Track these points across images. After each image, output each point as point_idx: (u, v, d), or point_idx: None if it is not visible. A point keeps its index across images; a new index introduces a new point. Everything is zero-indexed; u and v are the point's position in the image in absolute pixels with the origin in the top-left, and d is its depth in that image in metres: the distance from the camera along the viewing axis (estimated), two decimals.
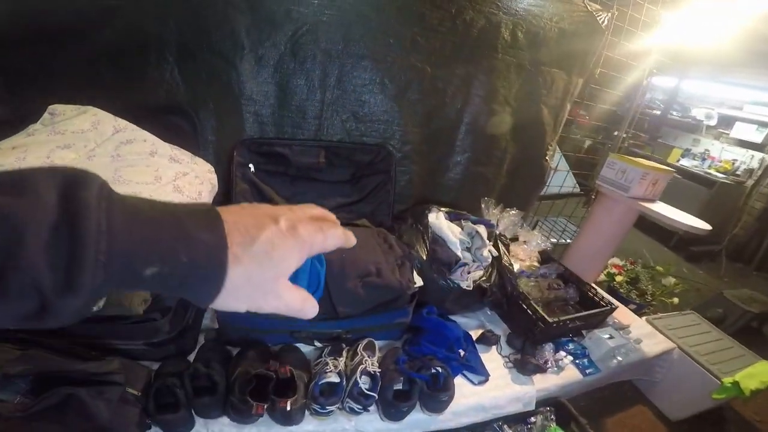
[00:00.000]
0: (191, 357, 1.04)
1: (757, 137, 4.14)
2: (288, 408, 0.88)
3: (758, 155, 4.10)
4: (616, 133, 2.29)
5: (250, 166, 1.30)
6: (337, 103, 1.33)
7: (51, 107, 0.98)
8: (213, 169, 1.18)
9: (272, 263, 0.32)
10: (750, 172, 4.10)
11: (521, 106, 1.64)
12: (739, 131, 4.28)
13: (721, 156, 4.40)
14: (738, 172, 4.14)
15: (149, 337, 0.95)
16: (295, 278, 1.04)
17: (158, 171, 0.98)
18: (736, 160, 4.24)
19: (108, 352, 0.92)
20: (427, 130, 1.50)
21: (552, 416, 1.31)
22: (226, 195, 1.28)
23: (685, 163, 4.48)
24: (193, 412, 0.91)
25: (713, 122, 4.51)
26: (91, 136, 0.97)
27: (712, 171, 4.20)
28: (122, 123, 1.03)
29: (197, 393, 0.91)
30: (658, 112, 4.71)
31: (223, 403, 0.92)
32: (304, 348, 1.14)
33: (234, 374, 0.95)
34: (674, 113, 4.81)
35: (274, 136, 1.30)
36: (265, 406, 0.89)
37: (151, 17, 1.06)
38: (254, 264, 0.30)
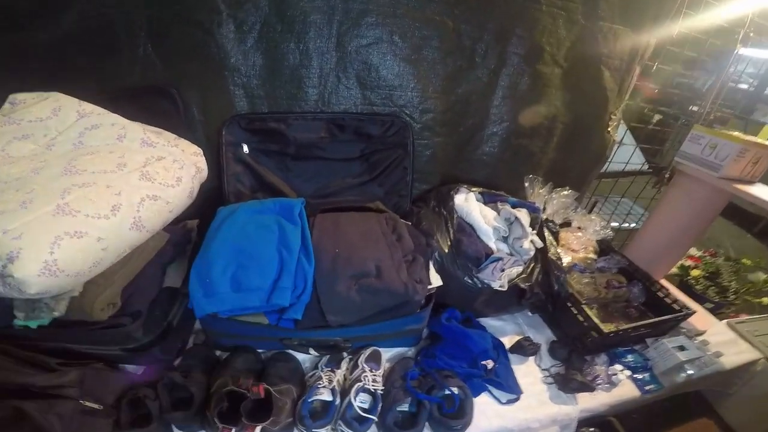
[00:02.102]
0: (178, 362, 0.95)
1: None
2: None
3: None
4: (692, 107, 1.89)
5: (243, 145, 1.15)
6: (338, 68, 1.12)
7: (12, 96, 0.89)
8: (200, 151, 1.05)
9: None
10: None
11: (575, 67, 1.33)
12: None
13: None
14: None
15: (122, 343, 0.86)
16: (278, 277, 0.88)
17: (123, 157, 0.86)
18: None
19: (85, 357, 0.85)
20: (452, 96, 1.25)
21: None
22: (218, 178, 1.16)
23: None
24: (171, 424, 0.83)
25: None
26: (52, 123, 0.87)
27: None
28: (88, 107, 0.92)
29: (174, 405, 0.82)
30: (746, 86, 4.02)
31: (202, 417, 0.82)
32: (302, 355, 1.01)
33: (214, 386, 0.85)
34: None
35: (267, 110, 1.14)
36: (233, 430, 0.77)
37: None
38: None
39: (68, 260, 0.70)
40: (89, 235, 0.73)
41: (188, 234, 1.07)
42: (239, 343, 0.96)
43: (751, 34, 1.62)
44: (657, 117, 2.95)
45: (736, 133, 1.25)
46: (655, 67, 1.63)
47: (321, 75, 1.12)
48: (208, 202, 1.07)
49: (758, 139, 1.26)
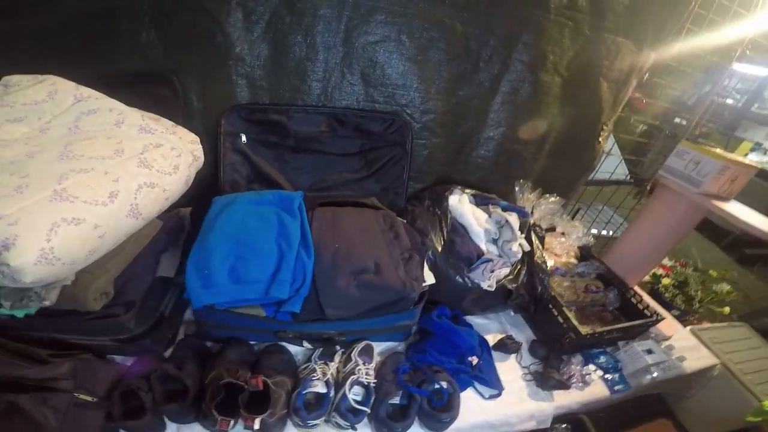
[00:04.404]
0: (169, 353, 0.94)
1: None
2: (256, 426, 0.76)
3: None
4: (677, 119, 1.94)
5: (242, 135, 1.13)
6: (344, 63, 1.12)
7: (5, 78, 0.85)
8: (197, 139, 1.03)
9: None
10: None
11: (575, 77, 1.36)
12: None
13: None
14: None
15: (115, 334, 0.85)
16: (277, 270, 0.88)
17: (121, 143, 0.84)
18: None
19: (73, 347, 0.84)
20: (453, 98, 1.26)
21: None
22: (214, 167, 1.14)
23: (753, 157, 4.05)
24: (164, 416, 0.83)
25: None
26: (47, 107, 0.84)
27: None
28: (86, 92, 0.88)
29: (168, 396, 0.81)
30: (731, 101, 4.13)
31: (196, 409, 0.82)
32: (294, 347, 1.02)
33: (208, 378, 0.84)
34: (757, 105, 4.31)
35: (269, 101, 1.12)
36: (231, 422, 0.78)
37: None
38: None
39: (65, 248, 0.68)
40: (87, 222, 0.71)
41: (181, 222, 1.05)
42: (232, 335, 0.96)
43: (748, 52, 1.67)
44: (642, 128, 3.00)
45: (718, 150, 1.31)
46: (645, 78, 1.68)
47: (326, 69, 1.11)
48: (202, 190, 1.06)
49: (738, 158, 1.32)
